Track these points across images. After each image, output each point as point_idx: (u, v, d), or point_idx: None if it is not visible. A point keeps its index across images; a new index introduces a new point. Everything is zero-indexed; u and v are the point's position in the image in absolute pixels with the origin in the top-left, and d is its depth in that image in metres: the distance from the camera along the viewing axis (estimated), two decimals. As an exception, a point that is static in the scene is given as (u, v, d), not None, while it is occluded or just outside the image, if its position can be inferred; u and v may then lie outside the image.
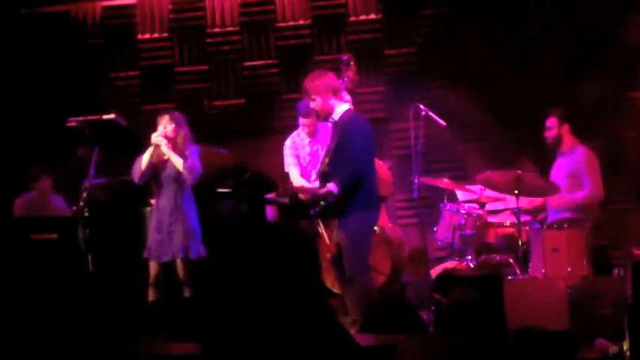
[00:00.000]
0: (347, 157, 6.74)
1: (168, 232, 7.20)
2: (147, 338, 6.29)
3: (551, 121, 8.11)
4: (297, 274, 7.60)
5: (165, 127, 7.28)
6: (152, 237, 7.26)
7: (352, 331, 6.22)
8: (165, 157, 7.27)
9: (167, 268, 7.25)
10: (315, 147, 8.10)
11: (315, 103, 6.90)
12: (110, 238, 7.34)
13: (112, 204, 7.21)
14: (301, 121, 8.12)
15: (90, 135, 7.32)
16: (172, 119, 7.32)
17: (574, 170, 8.06)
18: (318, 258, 7.73)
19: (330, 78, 6.88)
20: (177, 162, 7.21)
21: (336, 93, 6.87)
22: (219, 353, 5.13)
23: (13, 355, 6.09)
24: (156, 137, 7.21)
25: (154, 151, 7.22)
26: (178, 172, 7.23)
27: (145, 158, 7.20)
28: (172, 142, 7.27)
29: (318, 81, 6.85)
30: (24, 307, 7.05)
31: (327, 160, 6.92)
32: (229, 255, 7.57)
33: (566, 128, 8.12)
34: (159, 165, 7.27)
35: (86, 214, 7.05)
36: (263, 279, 7.48)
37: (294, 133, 8.23)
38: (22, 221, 8.28)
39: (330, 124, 6.99)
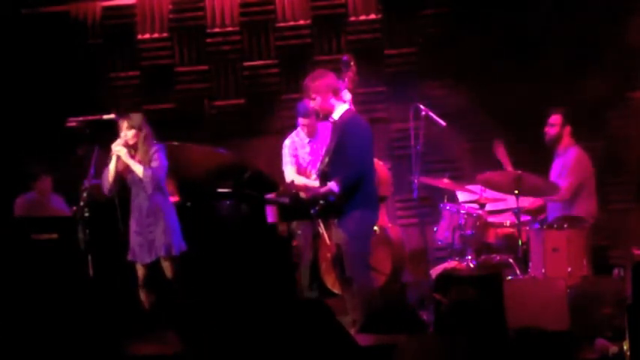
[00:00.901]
0: (346, 157, 6.76)
1: (149, 234, 7.17)
2: (140, 338, 6.28)
3: (555, 119, 8.11)
4: (275, 276, 7.57)
5: (125, 134, 7.21)
6: (133, 239, 7.22)
7: (352, 331, 6.22)
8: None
9: (157, 269, 7.22)
10: (314, 147, 8.10)
11: (315, 103, 6.93)
12: (110, 238, 7.33)
13: (112, 204, 7.19)
14: (301, 120, 8.12)
15: (90, 135, 7.30)
16: (130, 124, 7.21)
17: (563, 169, 8.07)
18: (293, 260, 7.74)
19: (330, 78, 6.91)
20: (138, 170, 7.14)
21: (336, 93, 6.90)
22: (218, 354, 5.13)
23: (12, 355, 6.09)
24: (115, 147, 7.15)
25: (117, 161, 7.17)
26: None
27: (111, 170, 7.14)
28: (135, 146, 7.22)
29: (319, 80, 6.88)
30: (24, 307, 7.05)
31: (327, 160, 6.94)
32: (229, 255, 7.56)
33: (567, 130, 8.12)
34: (125, 170, 7.22)
35: (86, 214, 7.03)
36: (262, 279, 7.47)
37: (294, 133, 8.23)
38: (22, 221, 8.28)
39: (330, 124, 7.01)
